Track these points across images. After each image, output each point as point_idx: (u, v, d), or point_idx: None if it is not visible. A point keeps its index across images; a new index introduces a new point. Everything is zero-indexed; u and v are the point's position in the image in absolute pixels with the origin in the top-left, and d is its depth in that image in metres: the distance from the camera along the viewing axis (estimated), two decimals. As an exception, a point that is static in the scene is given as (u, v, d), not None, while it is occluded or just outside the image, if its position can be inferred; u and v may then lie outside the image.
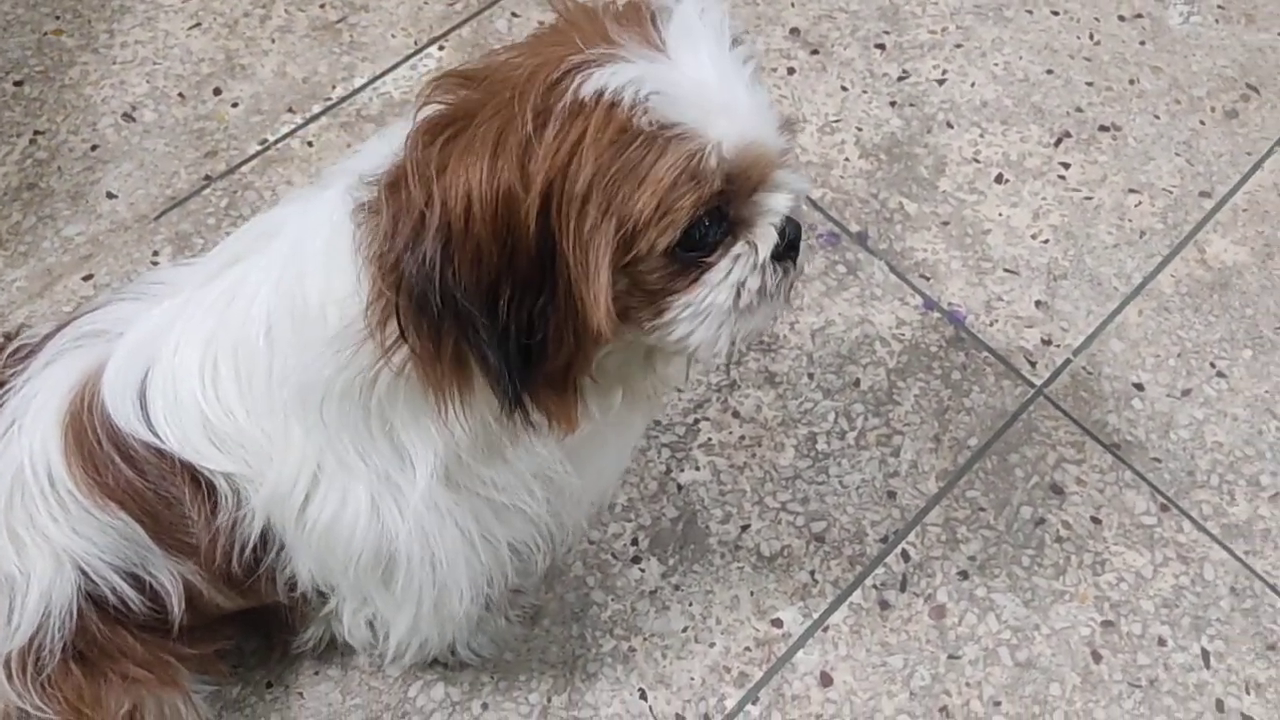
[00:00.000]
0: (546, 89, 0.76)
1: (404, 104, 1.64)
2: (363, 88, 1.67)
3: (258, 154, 1.60)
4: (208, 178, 1.58)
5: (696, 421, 1.41)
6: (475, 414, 0.86)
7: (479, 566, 0.99)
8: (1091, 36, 1.76)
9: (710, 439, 1.40)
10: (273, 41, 1.71)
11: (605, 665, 1.26)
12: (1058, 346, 1.49)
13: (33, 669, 1.02)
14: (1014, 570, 1.33)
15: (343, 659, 1.25)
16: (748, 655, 1.27)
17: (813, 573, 1.32)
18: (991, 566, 1.34)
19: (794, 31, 1.75)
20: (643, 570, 1.32)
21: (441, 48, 1.71)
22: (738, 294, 0.83)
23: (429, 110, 0.78)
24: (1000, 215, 1.59)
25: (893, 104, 1.68)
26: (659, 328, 0.84)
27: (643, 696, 1.25)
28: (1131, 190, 1.62)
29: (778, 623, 1.29)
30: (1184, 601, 1.32)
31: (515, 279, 0.77)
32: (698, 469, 1.38)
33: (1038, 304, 1.52)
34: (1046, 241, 1.57)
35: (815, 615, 1.30)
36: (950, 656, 1.28)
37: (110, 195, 1.56)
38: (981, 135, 1.66)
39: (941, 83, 1.71)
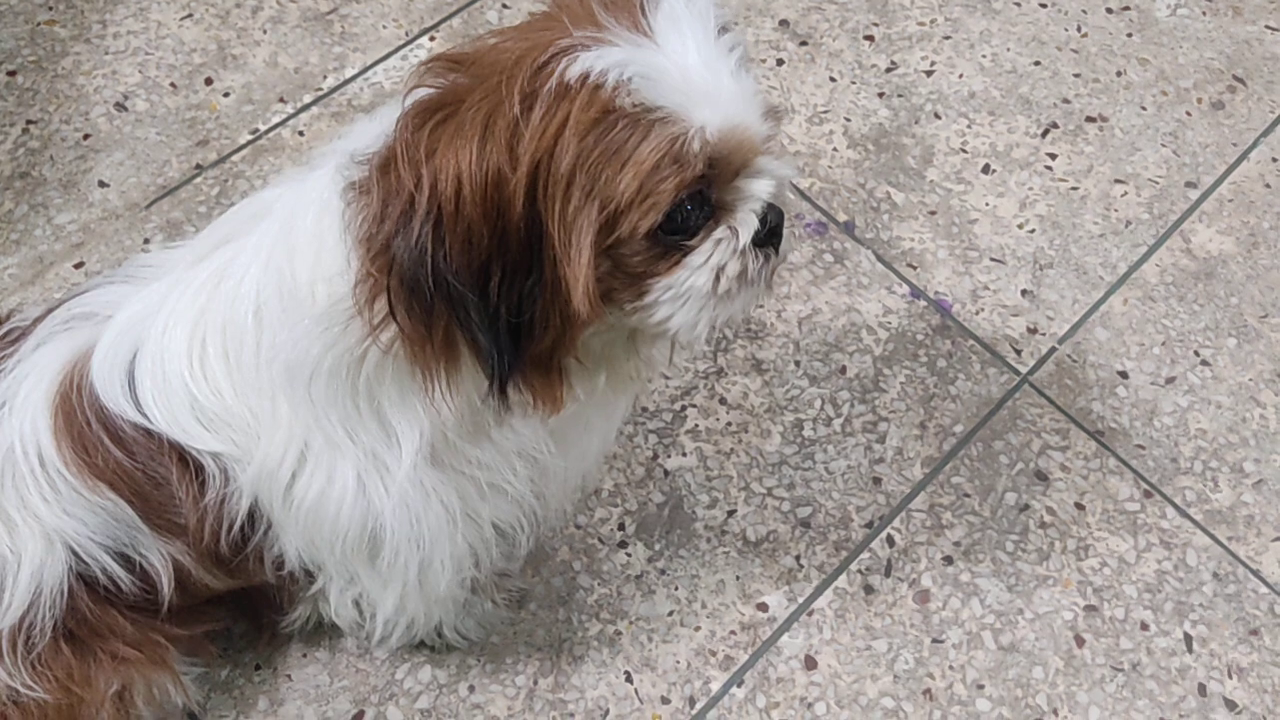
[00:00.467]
0: (533, 72, 0.76)
1: (395, 94, 1.63)
2: (354, 78, 1.68)
3: (249, 143, 1.61)
4: (199, 166, 1.58)
5: (683, 408, 1.42)
6: (462, 393, 0.87)
7: (462, 544, 1.00)
8: (1079, 28, 1.77)
9: (697, 425, 1.41)
10: (264, 32, 1.72)
11: (591, 648, 1.27)
12: (1043, 335, 1.50)
13: (24, 648, 1.02)
14: (998, 555, 1.34)
15: (330, 642, 1.25)
16: (733, 639, 1.28)
17: (798, 558, 1.33)
18: (976, 552, 1.35)
19: (783, 23, 1.76)
20: (629, 555, 1.33)
21: (433, 38, 1.72)
22: (717, 278, 0.84)
23: (419, 93, 0.79)
24: (987, 205, 1.60)
25: (881, 95, 1.69)
26: (640, 310, 0.85)
27: (629, 679, 1.26)
28: (1118, 180, 1.63)
29: (763, 607, 1.30)
30: (1167, 587, 1.33)
31: (506, 260, 0.78)
32: (684, 455, 1.39)
33: (1023, 293, 1.53)
34: (1033, 231, 1.58)
35: (800, 599, 1.31)
36: (934, 640, 1.29)
37: (102, 184, 1.57)
38: (969, 126, 1.67)
39: (930, 74, 1.72)
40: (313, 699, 1.23)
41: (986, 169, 1.63)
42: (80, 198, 1.55)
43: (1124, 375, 1.47)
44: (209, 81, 1.66)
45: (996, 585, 1.33)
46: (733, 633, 1.29)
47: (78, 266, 1.49)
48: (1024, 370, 1.47)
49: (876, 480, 1.39)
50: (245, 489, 0.97)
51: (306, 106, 1.64)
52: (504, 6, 1.75)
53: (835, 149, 1.64)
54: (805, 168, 1.61)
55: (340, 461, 0.94)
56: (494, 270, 0.78)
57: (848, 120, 1.66)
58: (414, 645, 1.24)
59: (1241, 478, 1.40)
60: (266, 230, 0.93)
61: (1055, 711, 1.25)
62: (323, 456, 0.94)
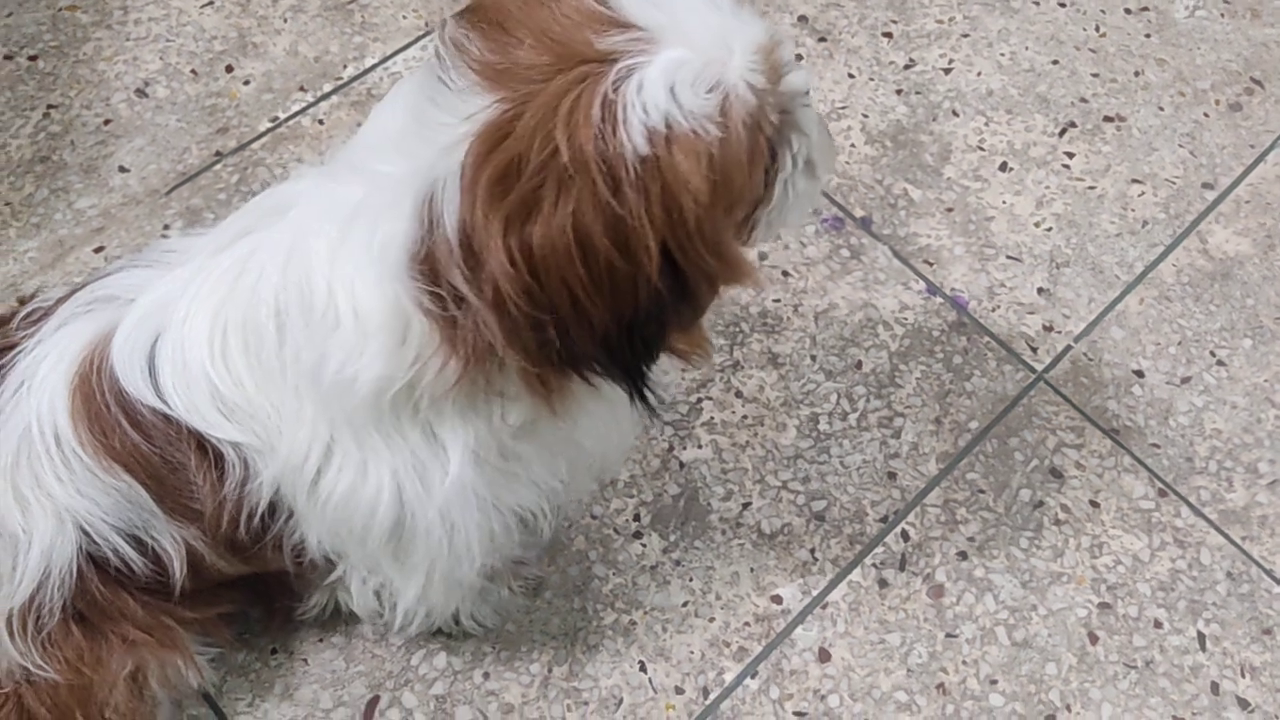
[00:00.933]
0: (597, 136, 0.75)
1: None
2: (373, 67, 1.68)
3: (269, 131, 1.61)
4: (219, 153, 1.59)
5: (699, 400, 1.43)
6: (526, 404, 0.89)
7: (491, 533, 1.00)
8: (1098, 28, 1.77)
9: (713, 418, 1.41)
10: (285, 20, 1.72)
11: (606, 637, 1.27)
12: (1059, 333, 1.50)
13: (34, 627, 1.02)
14: (1012, 551, 1.35)
15: (347, 627, 1.26)
16: (747, 630, 1.29)
17: (813, 551, 1.34)
18: (990, 547, 1.35)
19: (802, 19, 1.76)
20: (644, 545, 1.33)
21: (435, 29, 1.72)
22: (804, 170, 0.88)
23: (476, 148, 0.77)
24: (1004, 203, 1.60)
25: (899, 92, 1.69)
26: (753, 237, 0.91)
27: (642, 669, 1.26)
28: (1135, 180, 1.63)
29: (777, 599, 1.31)
30: (1180, 585, 1.33)
31: (634, 323, 0.80)
32: (700, 447, 1.40)
33: (1040, 291, 1.53)
34: (1050, 229, 1.58)
35: (814, 592, 1.31)
36: (948, 635, 1.29)
37: (122, 169, 1.57)
38: (986, 124, 1.67)
39: (948, 71, 1.72)
40: (328, 683, 1.23)
41: (1004, 167, 1.63)
42: (101, 183, 1.56)
43: (1139, 374, 1.48)
44: (229, 69, 1.67)
45: (1010, 581, 1.33)
46: (747, 624, 1.29)
47: (98, 251, 1.50)
48: (1040, 368, 1.47)
49: (891, 475, 1.39)
50: (268, 481, 0.97)
51: (326, 95, 1.65)
52: (524, -1, 1.76)
53: (853, 145, 1.64)
54: (823, 163, 1.62)
55: (374, 461, 0.93)
56: (622, 337, 0.81)
57: (865, 116, 1.67)
58: (430, 632, 1.25)
59: (1256, 478, 1.40)
60: (283, 233, 0.92)
61: (1068, 708, 1.25)
62: (351, 453, 0.93)
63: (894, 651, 1.28)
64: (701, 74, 0.76)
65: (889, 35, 1.75)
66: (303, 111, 1.63)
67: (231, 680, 1.23)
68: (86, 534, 0.99)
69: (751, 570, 1.32)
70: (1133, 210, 1.61)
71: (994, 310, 1.51)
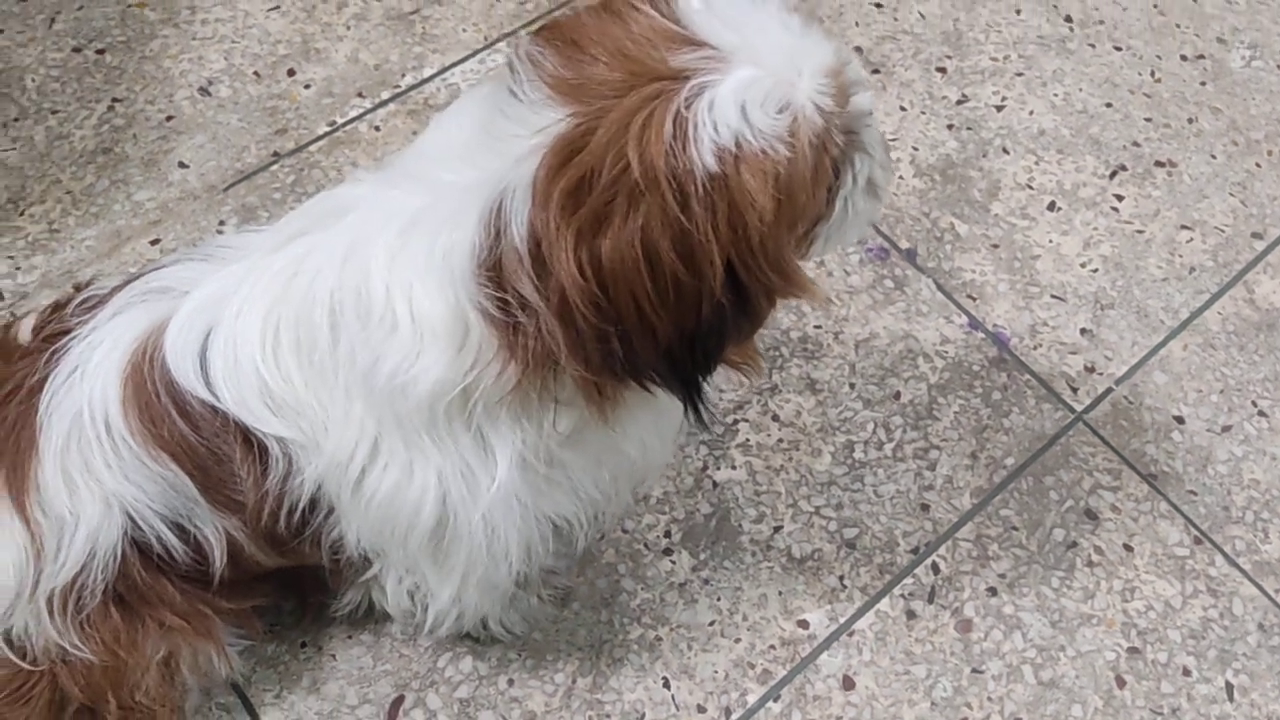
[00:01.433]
0: (669, 153, 0.76)
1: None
2: (431, 78, 1.71)
3: (326, 135, 1.64)
4: (276, 154, 1.62)
5: (736, 422, 1.43)
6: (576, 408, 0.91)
7: (530, 540, 1.01)
8: (1153, 74, 1.78)
9: (749, 440, 1.42)
10: (348, 28, 1.75)
11: (631, 652, 1.28)
12: (1100, 374, 1.50)
13: (74, 607, 1.04)
14: (1043, 590, 1.34)
15: (376, 625, 1.27)
16: (772, 653, 1.29)
17: (842, 578, 1.34)
18: (1021, 585, 1.34)
19: (857, 50, 1.77)
20: (674, 562, 1.34)
21: (511, 44, 1.75)
22: (866, 189, 0.91)
23: (549, 161, 0.78)
24: (1050, 242, 1.60)
25: (950, 126, 1.70)
26: (810, 251, 0.94)
27: (666, 685, 1.26)
28: (1184, 226, 1.63)
29: (804, 624, 1.31)
30: (1211, 634, 1.32)
31: (696, 335, 0.82)
32: (734, 468, 1.40)
33: (1083, 331, 1.53)
34: (1095, 271, 1.58)
35: (842, 619, 1.31)
36: (974, 670, 1.29)
37: (182, 165, 1.60)
38: (1037, 163, 1.67)
39: (1000, 109, 1.72)
40: (355, 680, 1.25)
41: (1052, 206, 1.63)
42: (160, 177, 1.59)
43: (1180, 420, 1.47)
44: (291, 73, 1.70)
45: (1040, 620, 1.32)
46: (772, 647, 1.29)
47: (154, 243, 1.53)
48: (1079, 408, 1.47)
49: (925, 507, 1.39)
50: (311, 477, 0.98)
51: (384, 103, 1.68)
52: (582, 17, 1.78)
53: (901, 177, 1.65)
54: (871, 193, 1.62)
55: (421, 462, 0.94)
56: (680, 349, 0.83)
57: (915, 149, 1.68)
58: (458, 636, 1.26)
59: (1294, 531, 1.39)
60: (342, 233, 0.93)
61: (1092, 750, 1.25)
62: (398, 453, 0.94)
63: (919, 683, 1.28)
64: (772, 94, 0.78)
65: (943, 70, 1.76)
66: (360, 117, 1.66)
67: (260, 671, 1.25)
68: (132, 519, 1.01)
69: (780, 594, 1.32)
70: (1180, 256, 1.60)
71: (1035, 348, 1.51)
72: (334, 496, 1.00)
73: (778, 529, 1.36)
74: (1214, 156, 1.70)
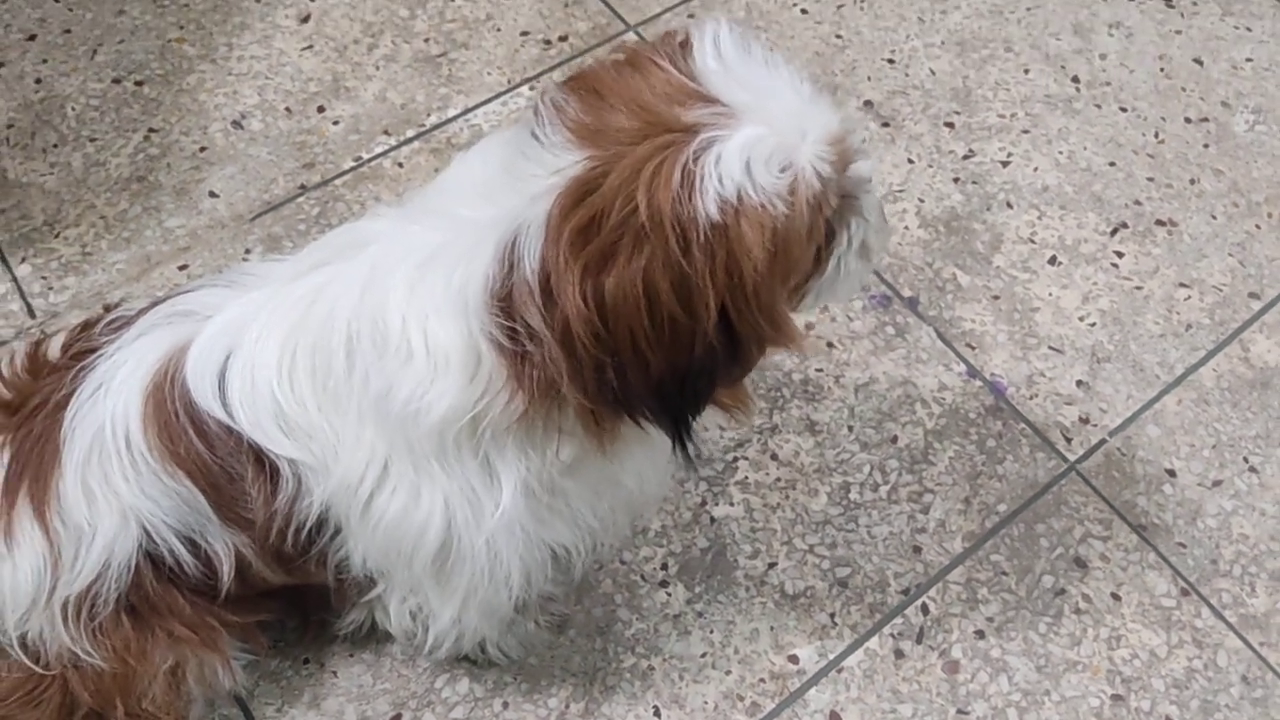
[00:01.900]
0: (675, 200, 0.81)
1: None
2: (455, 118, 1.77)
3: (351, 170, 1.70)
4: (303, 187, 1.68)
5: (735, 460, 1.47)
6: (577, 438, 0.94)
7: (531, 564, 1.04)
8: (1157, 135, 1.82)
9: (747, 477, 1.46)
10: (377, 68, 1.82)
11: (624, 680, 1.31)
12: (1095, 426, 1.53)
13: (87, 615, 1.08)
14: (1030, 635, 1.37)
15: (377, 645, 1.31)
16: (761, 686, 1.32)
17: (833, 615, 1.37)
18: (1008, 629, 1.37)
19: (868, 104, 1.83)
20: (669, 594, 1.37)
21: (533, 88, 1.81)
22: (859, 251, 0.95)
23: (563, 199, 0.83)
24: (1050, 295, 1.64)
25: (956, 180, 1.75)
26: (801, 305, 0.97)
27: (656, 714, 1.29)
28: (1182, 284, 1.66)
29: (794, 659, 1.34)
30: (1195, 684, 1.35)
31: (687, 374, 0.86)
32: (732, 504, 1.44)
33: (1079, 383, 1.56)
34: (1094, 325, 1.62)
35: (831, 656, 1.34)
36: (959, 711, 1.31)
37: (212, 194, 1.67)
38: (1039, 217, 1.71)
39: (1005, 164, 1.77)
40: (355, 697, 1.28)
41: (1053, 260, 1.67)
42: (191, 205, 1.65)
43: (1172, 473, 1.50)
44: (321, 109, 1.77)
45: (1026, 664, 1.35)
46: (762, 680, 1.32)
47: (182, 268, 1.59)
48: (1073, 458, 1.50)
49: (917, 549, 1.42)
50: (319, 498, 1.02)
51: (408, 140, 1.74)
52: (603, 64, 1.84)
53: (907, 227, 1.69)
54: (876, 242, 1.67)
55: (429, 486, 0.98)
56: (673, 385, 0.87)
57: (921, 201, 1.72)
58: (456, 658, 1.30)
59: (1279, 586, 1.42)
60: (360, 267, 0.97)
61: (1073, 794, 1.27)
62: (407, 477, 0.98)
63: (904, 722, 1.31)
64: (775, 153, 0.83)
65: (951, 125, 1.81)
66: (385, 154, 1.72)
67: (263, 685, 1.29)
68: (147, 532, 1.05)
69: (771, 628, 1.36)
70: (1178, 313, 1.64)
71: (1032, 398, 1.55)
72: (342, 517, 1.04)
73: (772, 565, 1.40)
74: (1214, 217, 1.73)
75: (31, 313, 1.54)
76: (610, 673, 1.32)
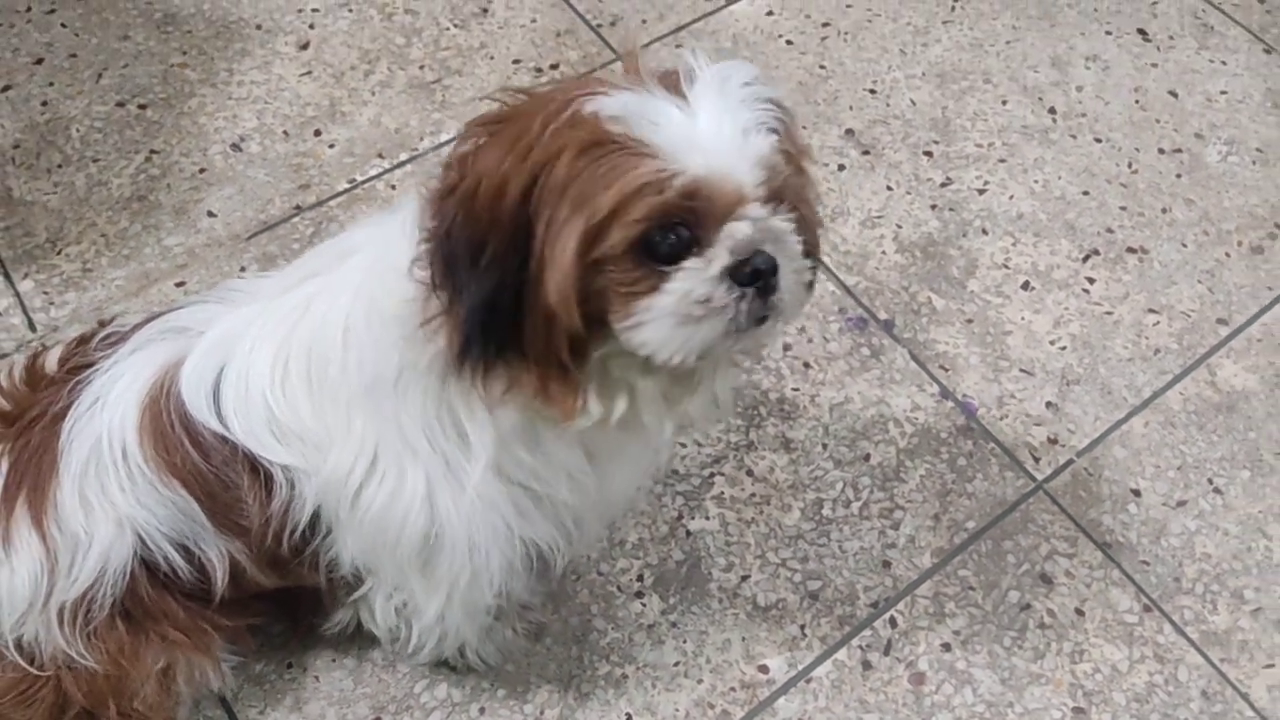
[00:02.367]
0: (560, 106, 0.89)
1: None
2: (447, 142, 1.82)
3: (345, 191, 1.76)
4: (298, 207, 1.74)
5: (712, 475, 1.52)
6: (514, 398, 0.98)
7: (511, 556, 1.09)
8: (1130, 165, 1.87)
9: (723, 492, 1.50)
10: (373, 94, 1.88)
11: (598, 687, 1.35)
12: (1063, 446, 1.57)
13: (82, 619, 1.12)
14: (995, 649, 1.41)
15: (359, 650, 1.35)
16: (732, 695, 1.36)
17: (803, 627, 1.41)
18: (974, 642, 1.41)
19: (849, 132, 1.88)
20: (644, 605, 1.41)
21: (523, 114, 1.87)
22: (689, 302, 0.91)
23: (483, 111, 0.93)
24: (1023, 319, 1.68)
25: (933, 207, 1.80)
26: (626, 329, 0.92)
27: (629, 721, 1.34)
28: (1151, 310, 1.71)
29: (764, 669, 1.38)
30: (1155, 699, 1.38)
31: (497, 244, 0.90)
32: (708, 518, 1.48)
33: (1048, 405, 1.61)
34: (1064, 348, 1.66)
35: (800, 666, 1.38)
36: (924, 722, 1.35)
37: (210, 214, 1.72)
38: (1014, 244, 1.76)
39: (982, 192, 1.82)
40: (335, 701, 1.33)
41: (1026, 285, 1.72)
42: (189, 224, 1.71)
43: (1137, 493, 1.54)
44: (317, 133, 1.82)
45: (990, 677, 1.39)
46: (733, 689, 1.36)
47: (179, 285, 1.64)
48: (1040, 477, 1.54)
49: (886, 564, 1.46)
50: (310, 498, 1.06)
51: (401, 164, 1.79)
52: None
53: (884, 252, 1.74)
54: (854, 267, 1.72)
55: (412, 467, 1.03)
56: (487, 249, 0.90)
57: (899, 227, 1.77)
58: (435, 663, 1.34)
59: (1240, 604, 1.45)
60: (356, 265, 1.04)
61: (1033, 804, 1.30)
62: (394, 462, 1.03)
63: (870, 731, 1.34)
64: (648, 113, 0.90)
65: (929, 154, 1.86)
66: (378, 176, 1.78)
67: (247, 688, 1.33)
68: (142, 540, 1.10)
69: (743, 639, 1.40)
70: (1146, 338, 1.68)
71: (1002, 419, 1.59)
72: (333, 513, 1.08)
73: (745, 578, 1.44)
74: (1185, 245, 1.78)
75: (32, 326, 1.60)
76: (585, 680, 1.36)
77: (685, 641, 1.39)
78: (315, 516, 1.09)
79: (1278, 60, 2.02)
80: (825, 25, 2.03)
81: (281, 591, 1.22)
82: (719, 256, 0.91)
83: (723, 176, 0.89)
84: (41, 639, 1.13)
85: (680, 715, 1.34)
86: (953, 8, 2.07)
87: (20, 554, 1.10)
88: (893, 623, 1.42)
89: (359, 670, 1.35)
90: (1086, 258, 1.76)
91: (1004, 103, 1.93)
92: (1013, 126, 1.90)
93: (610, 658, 1.37)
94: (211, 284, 1.64)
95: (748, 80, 0.93)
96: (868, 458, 1.55)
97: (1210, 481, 1.55)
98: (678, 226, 0.90)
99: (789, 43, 2.00)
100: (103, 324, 1.21)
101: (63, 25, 1.93)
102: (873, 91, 1.94)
